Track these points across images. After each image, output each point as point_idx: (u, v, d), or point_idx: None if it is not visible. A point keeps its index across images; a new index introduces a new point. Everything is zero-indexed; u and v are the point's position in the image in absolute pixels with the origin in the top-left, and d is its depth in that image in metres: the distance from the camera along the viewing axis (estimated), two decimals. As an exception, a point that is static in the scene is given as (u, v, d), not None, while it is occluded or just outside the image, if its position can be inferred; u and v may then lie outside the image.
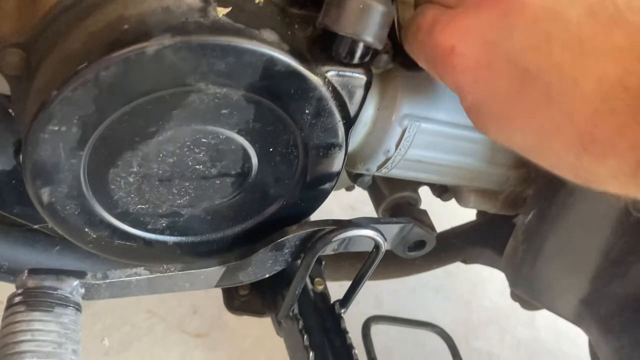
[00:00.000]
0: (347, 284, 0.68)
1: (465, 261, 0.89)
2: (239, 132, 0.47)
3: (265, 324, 1.29)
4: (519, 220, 0.72)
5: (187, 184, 0.50)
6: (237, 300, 0.71)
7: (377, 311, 0.92)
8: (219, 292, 1.33)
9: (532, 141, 0.39)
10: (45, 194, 0.46)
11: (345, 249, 0.61)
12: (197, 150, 0.47)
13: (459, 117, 0.61)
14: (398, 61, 0.50)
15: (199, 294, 1.30)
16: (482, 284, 1.61)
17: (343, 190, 0.92)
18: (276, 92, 0.45)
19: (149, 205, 0.50)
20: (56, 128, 0.42)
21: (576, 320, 0.74)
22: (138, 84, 0.41)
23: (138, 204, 0.50)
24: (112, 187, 0.48)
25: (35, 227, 0.68)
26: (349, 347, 0.61)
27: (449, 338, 0.85)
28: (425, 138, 0.59)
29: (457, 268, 1.65)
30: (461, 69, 0.40)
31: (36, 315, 0.43)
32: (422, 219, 0.74)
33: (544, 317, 1.54)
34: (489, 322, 1.49)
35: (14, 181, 0.71)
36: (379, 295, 1.46)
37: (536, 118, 0.37)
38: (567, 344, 1.50)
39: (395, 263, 0.87)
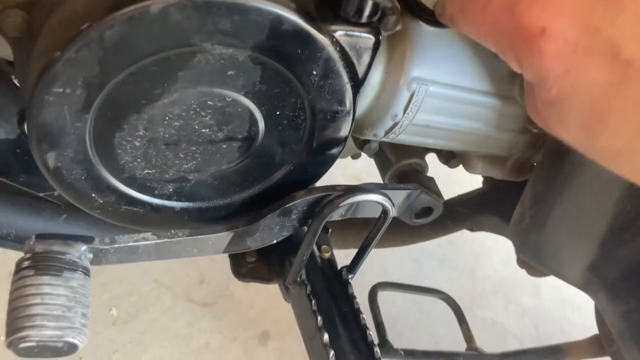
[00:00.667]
0: (352, 253, 0.68)
1: (471, 229, 0.89)
2: (245, 95, 0.46)
3: (271, 293, 1.30)
4: (526, 186, 0.71)
5: (194, 148, 0.49)
6: (245, 267, 0.71)
7: (382, 280, 0.92)
8: (225, 262, 1.34)
9: (622, 145, 0.34)
10: (51, 158, 0.45)
11: (353, 214, 0.60)
12: (203, 114, 0.47)
13: (468, 81, 0.60)
14: (417, 16, 0.50)
15: (206, 264, 1.30)
16: (487, 254, 1.61)
17: (347, 160, 0.91)
18: (283, 52, 0.44)
19: (156, 170, 0.50)
20: (61, 90, 0.41)
21: (583, 286, 0.74)
22: (143, 44, 0.40)
23: (145, 168, 0.49)
24: (119, 151, 0.47)
25: (41, 195, 0.68)
26: (357, 312, 0.61)
27: (455, 304, 0.85)
28: (434, 102, 0.59)
29: (461, 238, 1.65)
30: (552, 55, 0.34)
31: (45, 279, 0.43)
32: (429, 185, 0.73)
33: (549, 285, 1.55)
34: (493, 291, 1.51)
35: (18, 150, 0.70)
36: (384, 264, 1.46)
37: (634, 118, 0.32)
38: (571, 312, 1.51)
39: (401, 231, 0.87)
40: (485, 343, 0.98)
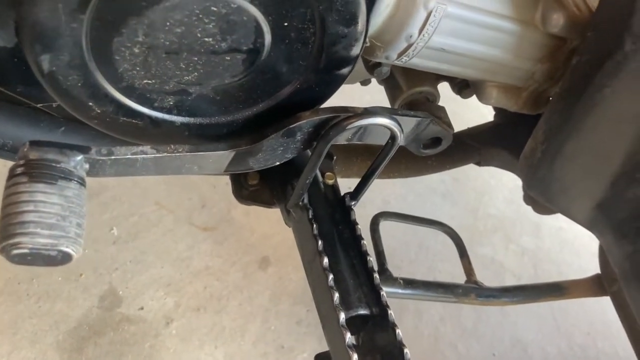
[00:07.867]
0: (353, 185, 0.66)
1: (479, 163, 0.87)
2: (251, 2, 0.43)
3: (272, 220, 1.29)
4: (540, 120, 0.69)
5: (196, 59, 0.47)
6: (246, 189, 0.69)
7: (385, 213, 0.91)
8: (227, 188, 1.32)
9: None
10: (46, 61, 0.43)
11: (359, 139, 0.58)
12: (206, 20, 0.44)
13: (488, 3, 0.56)
14: None
15: (208, 188, 1.30)
16: (490, 193, 1.60)
17: (348, 89, 0.87)
18: (294, -45, 0.41)
19: (156, 81, 0.48)
20: (54, -15, 0.38)
21: (590, 225, 0.72)
22: (142, -63, 0.37)
23: (144, 78, 0.47)
24: (117, 58, 0.45)
25: (38, 106, 0.65)
26: (358, 238, 0.60)
27: (457, 237, 0.84)
28: (451, 24, 0.55)
29: (465, 175, 1.64)
30: None
31: (39, 186, 0.41)
32: (439, 115, 0.71)
33: (549, 227, 1.54)
34: (494, 229, 1.50)
35: (16, 59, 0.68)
36: (385, 198, 1.46)
37: None
38: (570, 254, 1.51)
39: (407, 161, 0.85)
40: (484, 280, 0.98)
